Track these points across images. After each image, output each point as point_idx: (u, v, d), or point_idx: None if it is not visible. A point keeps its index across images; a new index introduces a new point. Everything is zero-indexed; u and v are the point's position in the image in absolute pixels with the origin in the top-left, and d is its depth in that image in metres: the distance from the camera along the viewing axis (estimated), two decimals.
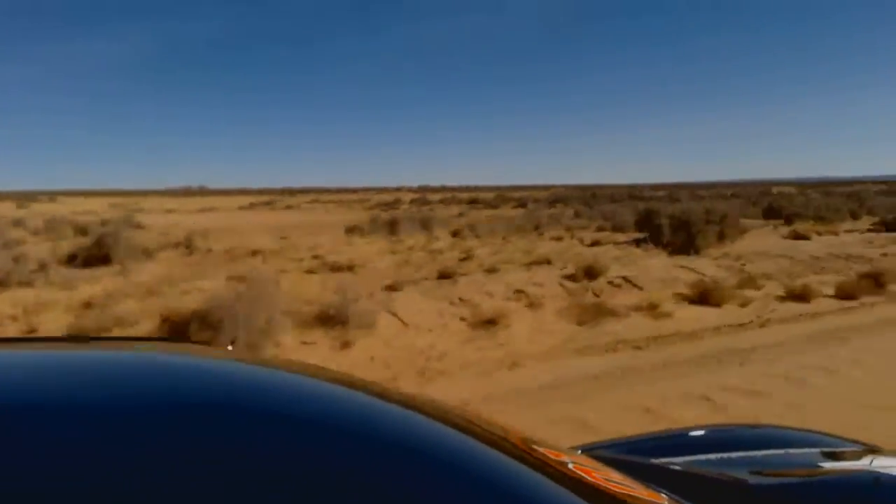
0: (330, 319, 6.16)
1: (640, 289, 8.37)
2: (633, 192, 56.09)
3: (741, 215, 17.60)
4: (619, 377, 5.16)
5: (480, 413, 0.84)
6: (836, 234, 15.41)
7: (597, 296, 7.94)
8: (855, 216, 21.27)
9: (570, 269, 9.16)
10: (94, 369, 0.75)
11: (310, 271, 9.79)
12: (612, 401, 4.54)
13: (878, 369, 5.25)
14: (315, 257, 11.17)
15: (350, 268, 9.88)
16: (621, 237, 13.86)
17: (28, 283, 8.29)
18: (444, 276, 8.80)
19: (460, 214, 29.88)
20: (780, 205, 23.27)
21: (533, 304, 7.39)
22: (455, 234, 16.25)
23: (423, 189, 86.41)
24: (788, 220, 19.07)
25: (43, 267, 9.17)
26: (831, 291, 8.46)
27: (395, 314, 6.64)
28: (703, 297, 7.83)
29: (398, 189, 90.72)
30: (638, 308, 7.34)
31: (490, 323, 6.57)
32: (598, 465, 0.75)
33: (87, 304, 7.07)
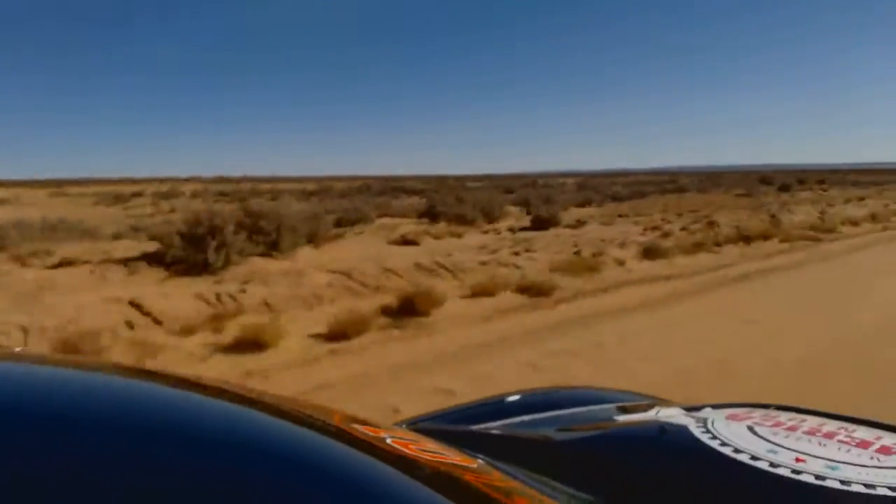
0: None
1: None
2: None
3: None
4: None
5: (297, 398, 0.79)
6: (459, 236, 13.54)
7: None
8: (529, 212, 20.28)
9: None
10: None
11: None
12: None
13: None
14: None
15: None
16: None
17: None
18: None
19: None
20: (445, 201, 21.64)
21: None
22: None
23: (221, 180, 74.23)
24: (434, 219, 17.37)
25: None
26: (322, 330, 5.46)
27: None
28: None
29: (187, 179, 76.23)
30: None
31: None
32: (418, 438, 0.76)
33: None
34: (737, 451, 0.85)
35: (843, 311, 6.50)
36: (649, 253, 9.74)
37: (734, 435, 0.91)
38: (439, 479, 0.61)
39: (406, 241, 11.88)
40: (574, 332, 5.71)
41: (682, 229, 13.83)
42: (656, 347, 5.23)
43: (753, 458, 0.83)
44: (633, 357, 4.93)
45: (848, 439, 0.89)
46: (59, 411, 0.56)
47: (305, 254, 9.32)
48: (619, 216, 19.43)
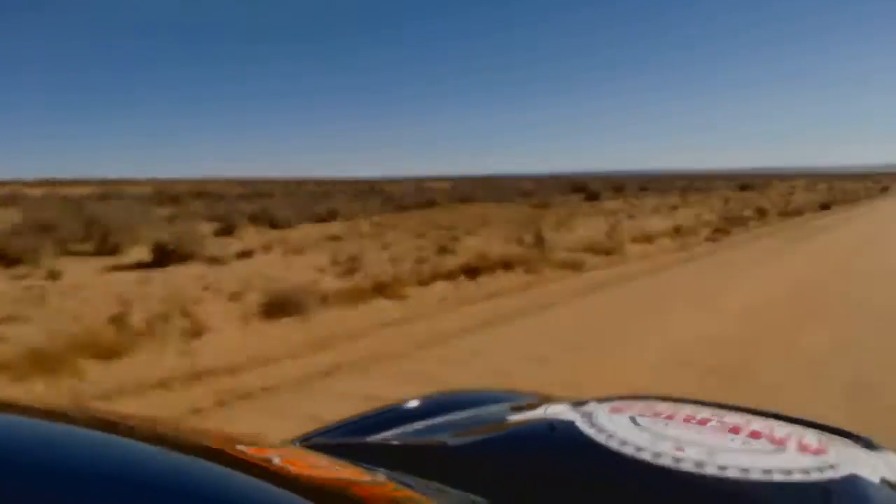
0: None
1: None
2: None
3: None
4: None
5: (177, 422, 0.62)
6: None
7: None
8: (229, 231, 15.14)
9: None
10: None
11: None
12: None
13: None
14: None
15: None
16: None
17: None
18: None
19: None
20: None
21: None
22: None
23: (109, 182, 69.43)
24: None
25: None
26: None
27: None
28: None
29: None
30: None
31: None
32: (307, 455, 0.77)
33: None
34: (623, 443, 0.92)
35: None
36: (271, 311, 6.43)
37: (618, 427, 0.98)
38: (326, 496, 0.59)
39: None
40: None
41: (392, 259, 10.73)
42: None
43: (638, 448, 0.90)
44: None
45: (720, 425, 0.98)
46: None
47: None
48: (361, 236, 15.15)
